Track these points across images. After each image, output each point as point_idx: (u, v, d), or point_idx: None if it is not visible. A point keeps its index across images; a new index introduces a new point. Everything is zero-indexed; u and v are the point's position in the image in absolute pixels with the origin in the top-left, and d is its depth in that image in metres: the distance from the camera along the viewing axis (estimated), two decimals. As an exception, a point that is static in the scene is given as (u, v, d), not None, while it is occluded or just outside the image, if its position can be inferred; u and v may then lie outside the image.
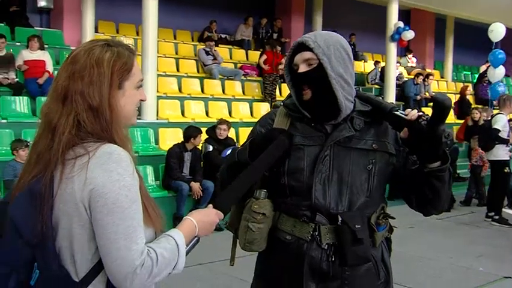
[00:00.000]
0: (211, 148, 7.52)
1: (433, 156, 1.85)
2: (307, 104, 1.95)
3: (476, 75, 17.22)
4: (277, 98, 11.41)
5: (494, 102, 13.14)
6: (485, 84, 15.18)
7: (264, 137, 1.96)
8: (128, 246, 1.38)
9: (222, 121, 7.86)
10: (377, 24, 13.96)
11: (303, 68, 1.92)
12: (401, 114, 1.86)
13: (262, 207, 1.95)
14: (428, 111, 11.17)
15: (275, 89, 11.54)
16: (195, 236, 1.58)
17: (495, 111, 8.37)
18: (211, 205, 1.70)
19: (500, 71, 11.93)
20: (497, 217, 7.95)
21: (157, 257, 1.42)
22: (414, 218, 8.34)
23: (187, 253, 1.53)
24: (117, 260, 1.38)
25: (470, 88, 14.77)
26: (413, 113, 1.84)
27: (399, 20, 12.83)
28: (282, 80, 12.22)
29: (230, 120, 8.80)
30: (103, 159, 1.41)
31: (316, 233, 1.92)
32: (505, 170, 7.83)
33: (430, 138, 1.78)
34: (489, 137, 7.76)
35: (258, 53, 12.58)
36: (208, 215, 1.65)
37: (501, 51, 12.20)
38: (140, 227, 1.43)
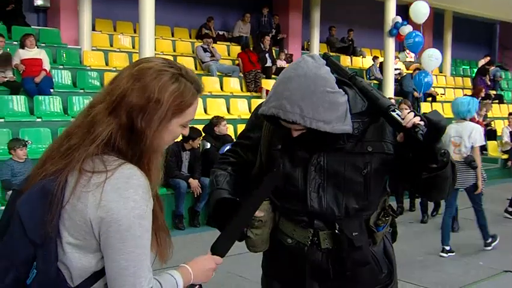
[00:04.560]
0: (209, 145, 7.50)
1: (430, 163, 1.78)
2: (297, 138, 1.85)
3: (475, 70, 17.18)
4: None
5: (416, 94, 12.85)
6: (483, 78, 15.11)
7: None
8: (138, 274, 1.36)
9: (220, 118, 7.84)
10: (375, 19, 13.91)
11: (295, 133, 1.81)
12: (397, 117, 1.77)
13: (259, 211, 1.89)
14: (426, 106, 11.10)
15: (259, 83, 11.48)
16: (192, 284, 1.57)
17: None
18: (209, 252, 1.69)
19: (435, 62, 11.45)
20: (511, 209, 8.15)
21: None
22: (413, 213, 8.22)
23: None
24: (125, 286, 1.36)
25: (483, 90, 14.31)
26: (409, 118, 1.73)
27: (397, 15, 12.77)
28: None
29: (229, 117, 8.73)
30: (120, 182, 1.36)
31: (316, 238, 1.91)
32: None
33: (426, 153, 1.74)
34: None
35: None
36: (204, 263, 1.64)
37: (419, 33, 11.82)
38: (149, 256, 1.41)
